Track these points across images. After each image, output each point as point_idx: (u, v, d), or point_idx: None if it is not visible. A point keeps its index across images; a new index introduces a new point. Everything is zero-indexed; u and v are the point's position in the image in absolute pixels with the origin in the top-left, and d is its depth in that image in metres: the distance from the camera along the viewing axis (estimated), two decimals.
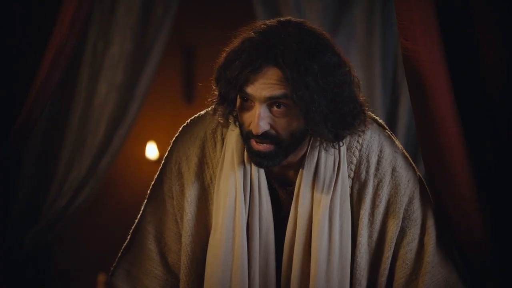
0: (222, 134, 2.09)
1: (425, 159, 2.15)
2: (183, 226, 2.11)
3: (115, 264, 2.21)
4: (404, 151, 2.11)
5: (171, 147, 2.16)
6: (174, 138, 2.16)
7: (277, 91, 1.88)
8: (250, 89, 1.89)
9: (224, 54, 1.94)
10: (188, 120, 2.16)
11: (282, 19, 1.95)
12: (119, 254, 2.21)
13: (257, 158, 1.95)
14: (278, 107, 1.90)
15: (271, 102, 1.90)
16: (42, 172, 3.38)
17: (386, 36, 3.53)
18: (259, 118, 1.90)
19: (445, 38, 2.05)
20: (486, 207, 2.10)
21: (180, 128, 2.16)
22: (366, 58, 3.54)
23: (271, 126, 1.91)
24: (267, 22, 1.94)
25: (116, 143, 3.49)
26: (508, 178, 2.11)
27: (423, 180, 2.12)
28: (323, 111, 1.89)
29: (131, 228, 2.22)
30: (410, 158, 2.11)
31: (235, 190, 2.03)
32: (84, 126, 3.44)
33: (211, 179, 2.10)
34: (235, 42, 1.93)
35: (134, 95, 3.51)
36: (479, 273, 2.15)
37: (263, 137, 1.92)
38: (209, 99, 2.01)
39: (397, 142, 2.10)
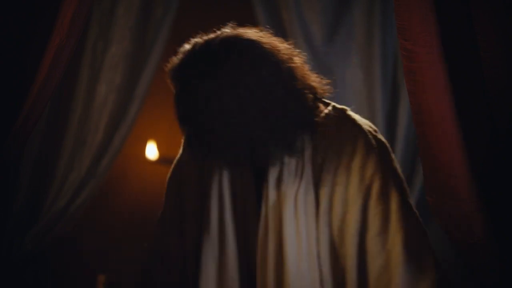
0: None
1: (424, 159, 2.15)
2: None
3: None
4: (373, 133, 2.11)
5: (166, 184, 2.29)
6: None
7: None
8: None
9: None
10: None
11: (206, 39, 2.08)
12: None
13: None
14: None
15: None
16: (42, 172, 3.39)
17: (386, 37, 3.53)
18: None
19: (445, 38, 2.05)
20: (486, 207, 2.11)
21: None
22: (366, 59, 3.54)
23: None
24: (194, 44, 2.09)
25: (116, 143, 3.49)
26: (508, 178, 2.11)
27: (395, 166, 2.11)
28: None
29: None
30: (376, 139, 2.10)
31: (219, 191, 2.13)
32: (84, 127, 3.44)
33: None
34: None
35: (133, 95, 3.51)
36: (479, 273, 2.15)
37: None
38: None
39: (360, 122, 2.11)
